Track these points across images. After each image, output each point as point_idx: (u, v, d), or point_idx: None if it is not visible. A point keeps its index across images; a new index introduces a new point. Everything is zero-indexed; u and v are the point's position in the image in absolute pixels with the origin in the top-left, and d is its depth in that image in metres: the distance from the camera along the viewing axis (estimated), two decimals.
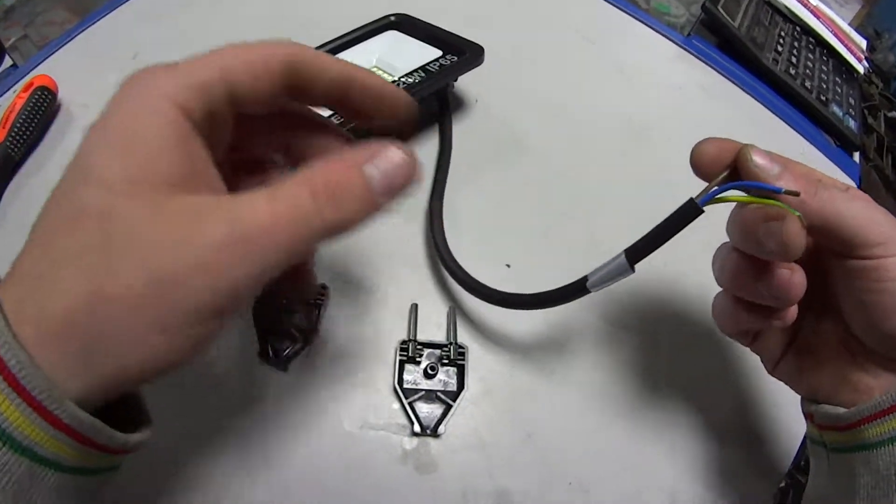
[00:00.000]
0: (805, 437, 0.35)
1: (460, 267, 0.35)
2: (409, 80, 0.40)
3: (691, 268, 0.40)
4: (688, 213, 0.24)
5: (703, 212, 0.23)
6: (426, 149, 0.44)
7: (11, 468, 0.16)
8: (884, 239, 0.22)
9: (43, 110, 0.42)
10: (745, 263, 0.25)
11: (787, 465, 0.35)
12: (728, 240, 0.27)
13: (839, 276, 0.24)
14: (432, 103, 0.45)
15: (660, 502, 0.33)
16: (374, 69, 0.45)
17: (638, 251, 0.25)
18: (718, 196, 0.23)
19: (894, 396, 0.22)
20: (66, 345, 0.17)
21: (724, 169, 0.24)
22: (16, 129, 0.40)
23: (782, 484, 0.35)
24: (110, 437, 0.18)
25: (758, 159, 0.22)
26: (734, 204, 0.25)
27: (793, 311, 0.25)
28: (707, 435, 0.35)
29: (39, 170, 0.41)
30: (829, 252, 0.24)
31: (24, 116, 0.41)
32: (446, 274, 0.38)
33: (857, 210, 0.22)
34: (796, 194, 0.22)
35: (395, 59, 0.44)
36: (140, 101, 0.18)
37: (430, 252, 0.39)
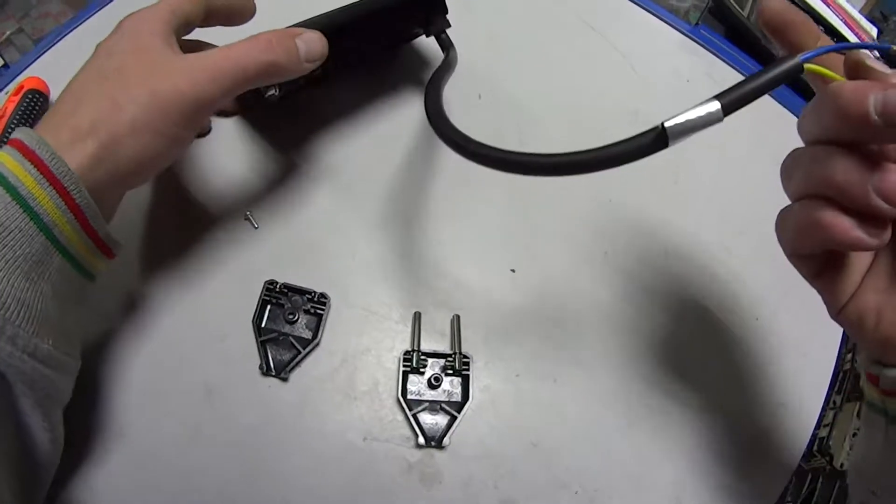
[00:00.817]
0: (814, 433, 0.35)
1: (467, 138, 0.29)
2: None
3: (692, 269, 0.39)
4: (791, 70, 0.21)
5: (803, 71, 0.21)
6: (438, 145, 0.43)
7: (34, 241, 0.23)
8: None
9: (35, 113, 0.41)
10: (849, 160, 0.21)
11: (792, 468, 0.35)
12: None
13: None
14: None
15: None
16: None
17: (734, 101, 0.22)
18: (821, 56, 0.21)
19: None
20: (88, 145, 0.25)
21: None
22: (8, 134, 0.39)
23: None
24: (101, 226, 0.26)
25: (873, 64, 0.21)
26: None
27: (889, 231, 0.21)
28: (711, 441, 0.35)
29: None
30: None
31: (16, 121, 0.40)
32: (449, 282, 0.37)
33: None
34: None
35: None
36: (145, 24, 0.29)
37: (432, 259, 0.38)
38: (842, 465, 0.37)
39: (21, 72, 0.45)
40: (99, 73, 0.27)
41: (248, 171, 0.40)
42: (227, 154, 0.42)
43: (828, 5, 0.62)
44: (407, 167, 0.42)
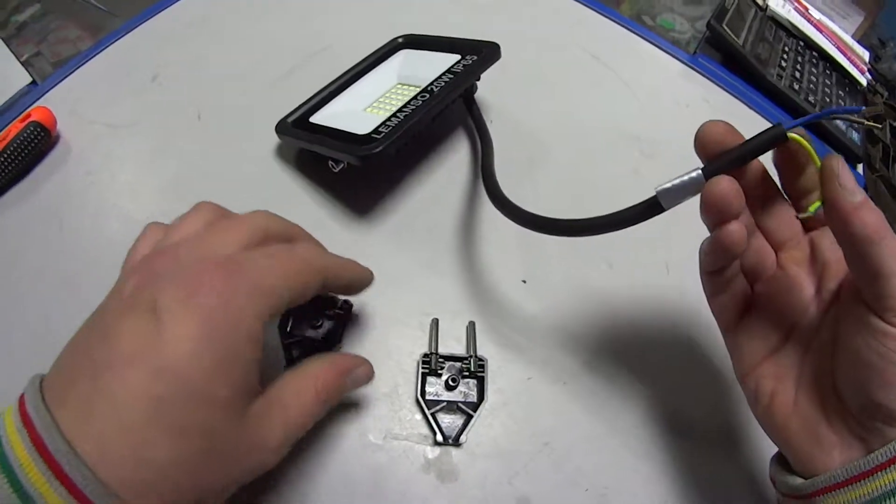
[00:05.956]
0: None
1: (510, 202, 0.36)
2: (440, 85, 0.42)
3: (692, 278, 0.41)
4: (773, 136, 0.24)
5: (787, 139, 0.24)
6: (459, 145, 0.47)
7: None
8: None
9: (32, 146, 0.43)
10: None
11: None
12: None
13: (853, 325, 0.23)
14: (458, 105, 0.47)
15: None
16: (398, 86, 0.46)
17: (717, 170, 0.25)
18: (800, 132, 0.24)
19: (850, 470, 0.22)
20: None
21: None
22: (2, 160, 0.42)
23: None
24: None
25: (846, 182, 0.22)
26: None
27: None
28: (719, 441, 0.36)
29: (17, 203, 0.43)
30: (855, 298, 0.23)
31: (12, 148, 0.42)
32: (465, 291, 0.39)
33: None
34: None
35: (416, 72, 0.46)
36: (238, 321, 0.23)
37: (450, 269, 0.41)
38: None
39: (47, 91, 0.49)
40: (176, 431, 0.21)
41: (273, 186, 0.44)
42: (255, 171, 0.45)
43: (820, 31, 0.66)
44: (425, 186, 0.45)
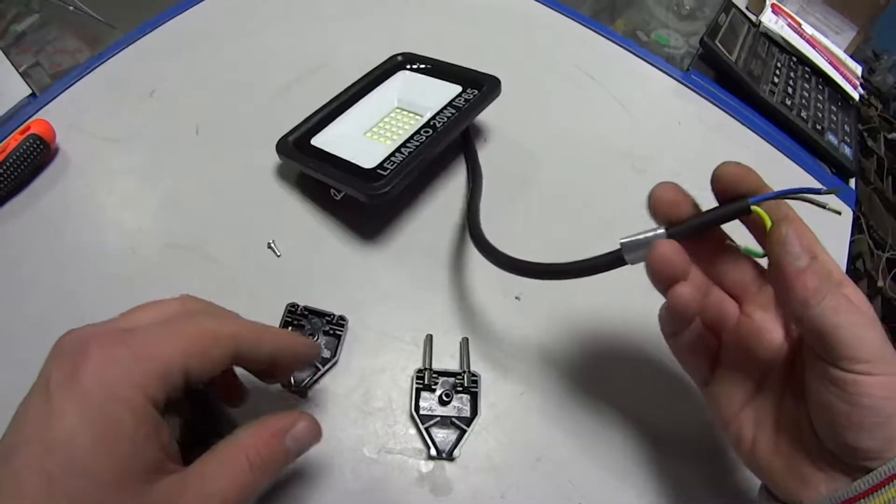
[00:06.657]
0: None
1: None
2: (442, 120, 0.42)
3: None
4: (738, 209, 0.25)
5: (750, 213, 0.25)
6: (454, 177, 0.47)
7: None
8: (871, 358, 0.22)
9: (32, 159, 0.43)
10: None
11: None
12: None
13: (817, 373, 0.24)
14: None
15: None
16: (398, 111, 0.47)
17: (680, 232, 0.26)
18: (761, 204, 0.24)
19: (834, 499, 0.23)
20: None
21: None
22: (1, 172, 0.42)
23: None
24: None
25: (792, 248, 0.23)
26: None
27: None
28: (713, 453, 0.36)
29: (16, 215, 0.43)
30: (811, 349, 0.24)
31: (11, 160, 0.42)
32: (459, 308, 0.40)
33: (853, 324, 0.23)
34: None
35: (417, 98, 0.46)
36: (115, 394, 0.21)
37: (444, 286, 0.41)
38: None
39: (46, 104, 0.49)
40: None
41: (271, 202, 0.44)
42: (253, 186, 0.45)
43: (813, 47, 0.66)
44: (420, 203, 0.45)
